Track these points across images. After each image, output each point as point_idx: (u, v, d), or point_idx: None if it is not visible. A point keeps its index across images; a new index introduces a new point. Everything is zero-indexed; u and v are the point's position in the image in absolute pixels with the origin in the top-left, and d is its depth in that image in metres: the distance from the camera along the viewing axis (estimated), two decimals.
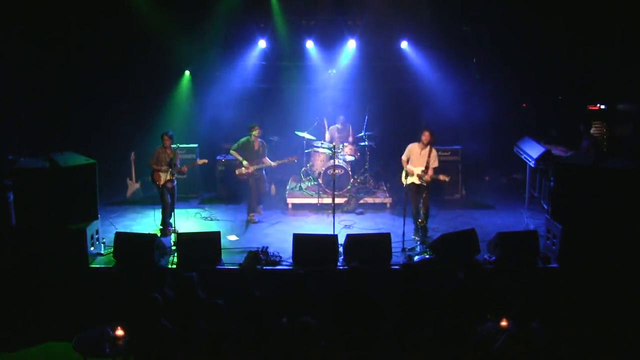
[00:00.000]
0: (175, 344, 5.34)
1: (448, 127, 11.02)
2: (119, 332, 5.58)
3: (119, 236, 7.82)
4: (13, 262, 7.60)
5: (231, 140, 9.96)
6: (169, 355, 5.32)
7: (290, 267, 7.55)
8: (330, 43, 11.76)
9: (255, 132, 9.49)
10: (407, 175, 8.79)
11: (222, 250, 7.80)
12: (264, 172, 9.77)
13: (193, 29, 11.22)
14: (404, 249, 8.08)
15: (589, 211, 7.53)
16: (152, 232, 8.75)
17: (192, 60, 11.94)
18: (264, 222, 9.62)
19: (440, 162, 8.75)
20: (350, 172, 10.46)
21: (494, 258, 7.71)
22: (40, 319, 7.19)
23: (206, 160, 9.53)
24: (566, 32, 10.55)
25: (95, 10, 10.55)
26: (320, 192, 10.38)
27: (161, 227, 9.04)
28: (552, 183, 8.38)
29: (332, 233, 8.23)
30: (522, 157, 10.13)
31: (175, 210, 8.84)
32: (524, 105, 12.65)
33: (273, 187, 11.16)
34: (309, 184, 11.05)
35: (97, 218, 8.25)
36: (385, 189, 10.96)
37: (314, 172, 10.94)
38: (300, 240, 7.68)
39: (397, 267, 7.58)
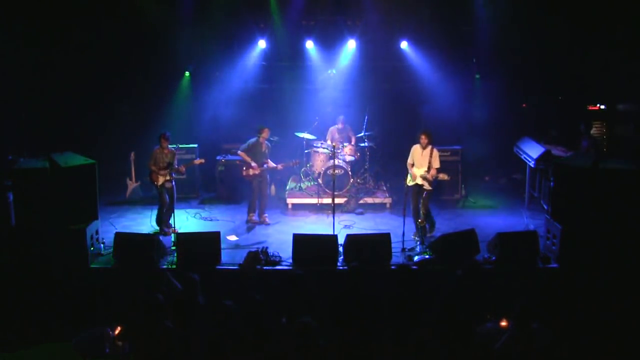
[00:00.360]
0: (176, 344, 5.33)
1: (448, 127, 11.03)
2: (119, 332, 5.58)
3: (119, 236, 7.83)
4: (13, 262, 7.60)
5: (231, 141, 9.96)
6: (170, 356, 5.31)
7: (290, 267, 7.55)
8: (330, 43, 11.77)
9: (264, 135, 9.49)
10: (411, 178, 8.76)
11: (222, 250, 7.79)
12: (267, 174, 9.77)
13: (193, 30, 11.23)
14: (403, 249, 8.08)
15: (588, 211, 7.52)
16: (151, 232, 8.74)
17: (192, 61, 11.97)
18: (263, 223, 9.62)
19: (440, 162, 8.74)
20: (350, 173, 10.45)
21: (493, 258, 7.70)
22: (40, 319, 7.18)
23: (203, 160, 9.52)
24: (566, 32, 10.55)
25: (95, 11, 10.57)
26: (320, 192, 10.38)
27: (155, 225, 9.04)
28: (552, 183, 8.37)
29: (332, 233, 8.24)
30: (522, 157, 10.12)
31: (175, 210, 8.86)
32: (524, 105, 12.66)
33: (273, 187, 11.16)
34: (309, 184, 11.05)
35: (97, 218, 8.24)
36: (385, 189, 10.95)
37: (314, 172, 10.94)
38: (300, 241, 7.68)
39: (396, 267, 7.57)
